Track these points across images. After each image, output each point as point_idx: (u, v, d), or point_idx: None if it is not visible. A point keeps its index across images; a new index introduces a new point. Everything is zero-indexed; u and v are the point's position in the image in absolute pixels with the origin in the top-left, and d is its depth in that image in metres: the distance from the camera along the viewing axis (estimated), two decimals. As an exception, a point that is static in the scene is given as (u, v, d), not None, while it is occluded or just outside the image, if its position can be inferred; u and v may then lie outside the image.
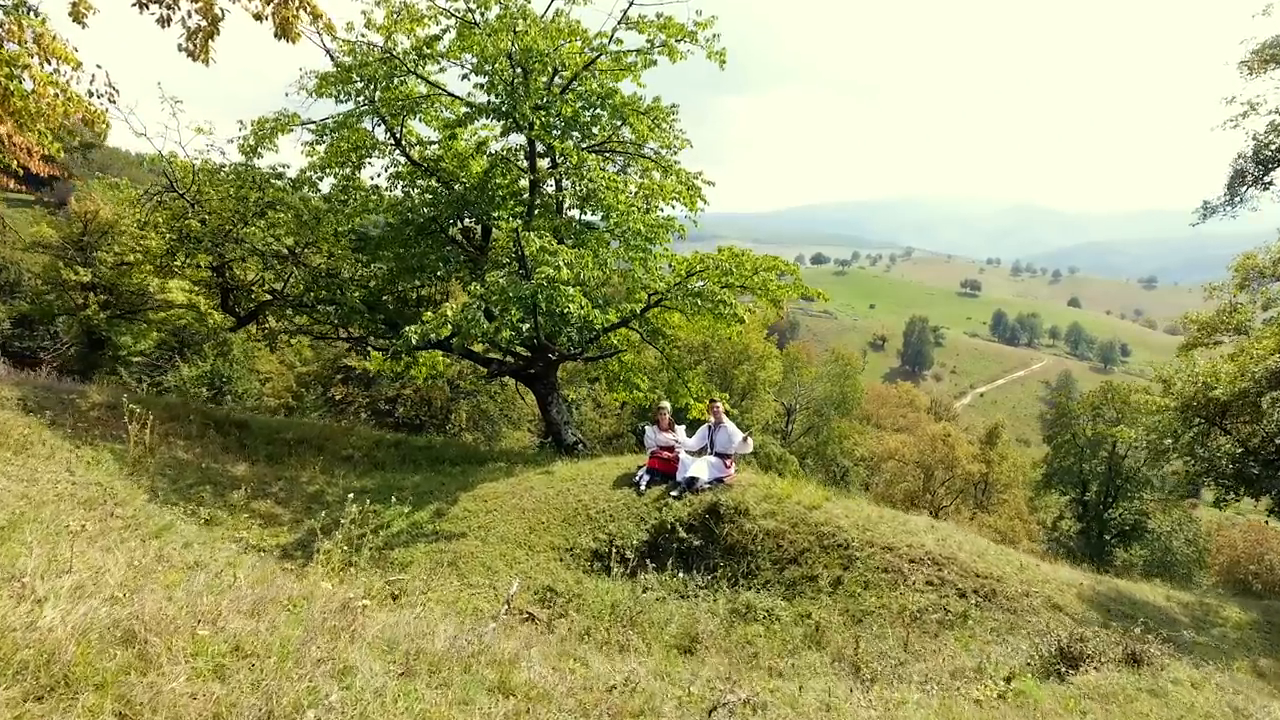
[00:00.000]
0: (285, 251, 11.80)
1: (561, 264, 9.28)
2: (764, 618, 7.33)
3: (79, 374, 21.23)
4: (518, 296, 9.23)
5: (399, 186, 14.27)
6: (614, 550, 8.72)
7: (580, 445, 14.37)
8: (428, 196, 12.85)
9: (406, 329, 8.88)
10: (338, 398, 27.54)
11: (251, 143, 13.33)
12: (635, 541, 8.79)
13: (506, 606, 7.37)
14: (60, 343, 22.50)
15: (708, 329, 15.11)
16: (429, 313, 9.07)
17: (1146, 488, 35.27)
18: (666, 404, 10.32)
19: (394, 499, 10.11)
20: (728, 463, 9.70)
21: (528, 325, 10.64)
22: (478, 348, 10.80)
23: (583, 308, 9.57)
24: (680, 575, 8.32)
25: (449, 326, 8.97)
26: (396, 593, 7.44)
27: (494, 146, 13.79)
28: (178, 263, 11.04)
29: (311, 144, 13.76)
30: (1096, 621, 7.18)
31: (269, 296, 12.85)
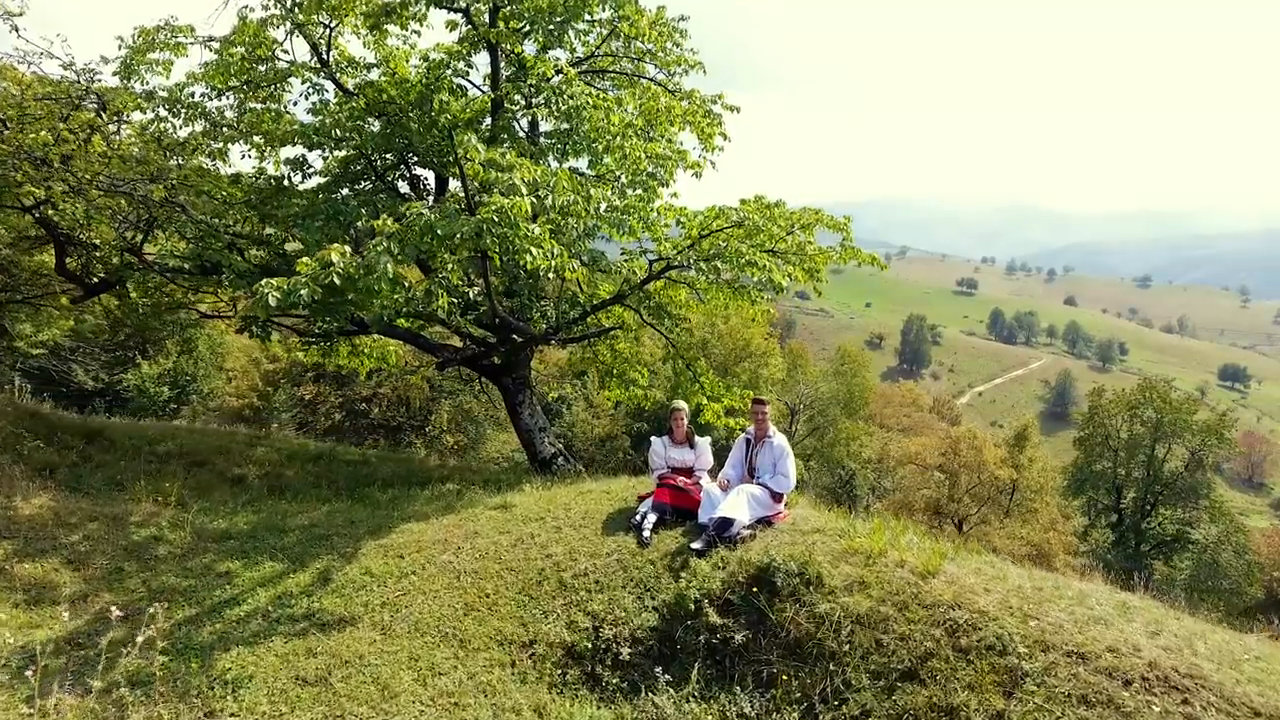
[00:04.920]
0: (137, 190, 8.28)
1: (519, 181, 5.83)
2: (876, 799, 3.95)
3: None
4: (448, 235, 5.76)
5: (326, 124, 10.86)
6: (601, 646, 5.31)
7: (560, 457, 10.97)
8: (344, 119, 9.31)
9: (262, 283, 5.41)
10: (307, 397, 24.42)
11: (130, 61, 9.93)
12: (637, 630, 5.37)
13: (397, 786, 3.96)
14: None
15: (723, 308, 11.75)
16: (306, 260, 5.62)
17: (1191, 495, 32.23)
18: (683, 404, 6.93)
19: (268, 547, 6.70)
20: (777, 498, 6.29)
21: (476, 288, 7.19)
22: (401, 323, 7.40)
23: (551, 256, 6.13)
24: (714, 694, 4.94)
25: (337, 280, 5.49)
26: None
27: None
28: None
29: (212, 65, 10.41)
30: None
31: (133, 258, 9.36)
